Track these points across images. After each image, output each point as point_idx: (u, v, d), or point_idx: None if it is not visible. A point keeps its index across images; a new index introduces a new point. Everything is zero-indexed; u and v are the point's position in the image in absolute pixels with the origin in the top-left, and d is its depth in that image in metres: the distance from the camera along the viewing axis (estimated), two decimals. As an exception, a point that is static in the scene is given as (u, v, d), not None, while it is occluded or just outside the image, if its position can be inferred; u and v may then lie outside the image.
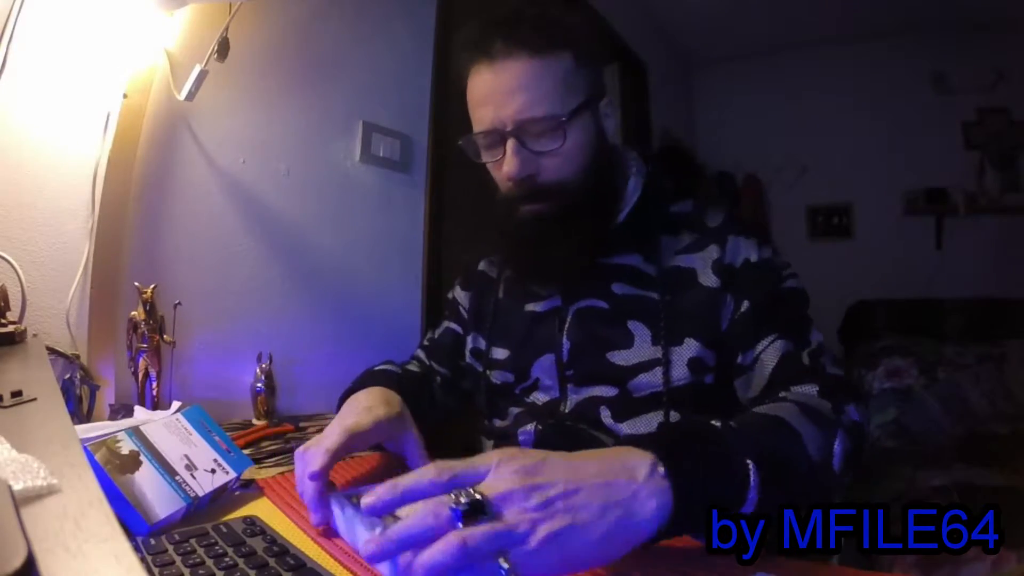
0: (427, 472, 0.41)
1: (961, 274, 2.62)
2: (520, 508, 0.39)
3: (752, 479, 0.45)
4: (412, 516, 0.39)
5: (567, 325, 0.73)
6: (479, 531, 0.37)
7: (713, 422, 0.50)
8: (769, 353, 0.64)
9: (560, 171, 0.68)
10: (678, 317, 0.67)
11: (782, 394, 0.60)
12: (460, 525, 0.37)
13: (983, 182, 2.66)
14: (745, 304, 0.66)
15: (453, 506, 0.38)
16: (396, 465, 0.72)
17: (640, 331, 0.69)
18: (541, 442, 0.72)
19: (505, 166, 0.67)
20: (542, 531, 0.38)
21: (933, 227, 2.74)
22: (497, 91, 0.66)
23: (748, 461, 0.45)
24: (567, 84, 0.67)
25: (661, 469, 0.42)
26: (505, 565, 0.38)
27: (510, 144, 0.66)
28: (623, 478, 0.41)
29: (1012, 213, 2.58)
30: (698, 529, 0.44)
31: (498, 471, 0.40)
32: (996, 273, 2.50)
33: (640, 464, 0.42)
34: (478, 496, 0.38)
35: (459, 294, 0.91)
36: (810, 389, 0.60)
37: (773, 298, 0.66)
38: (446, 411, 0.89)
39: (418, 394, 0.79)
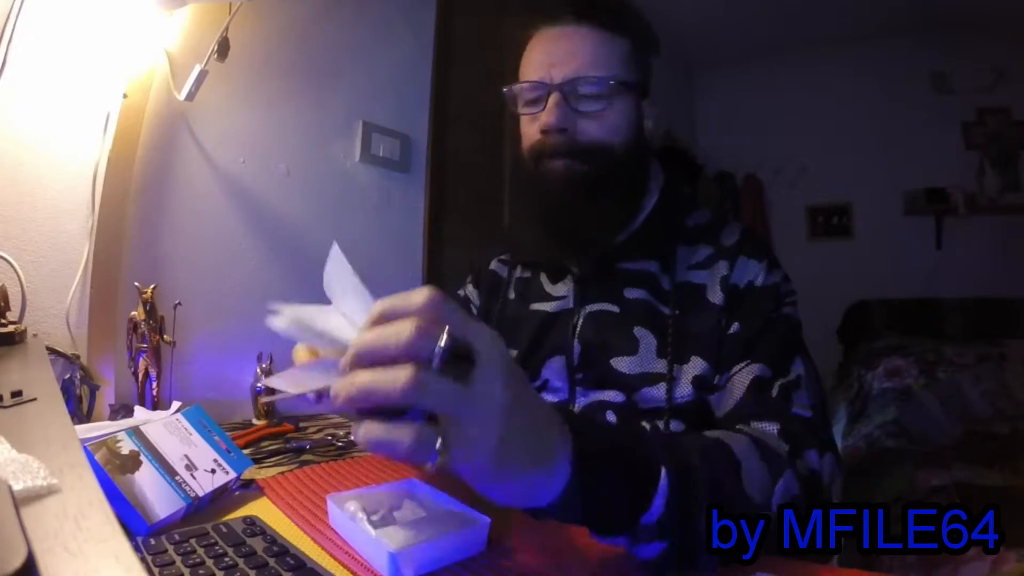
0: (407, 325, 0.33)
1: (961, 274, 2.62)
2: (500, 390, 0.34)
3: (661, 485, 0.42)
4: (385, 328, 0.33)
5: (579, 328, 0.73)
6: (444, 382, 0.32)
7: (647, 426, 0.46)
8: (742, 376, 0.64)
9: (600, 133, 0.69)
10: (686, 335, 0.67)
11: (740, 426, 0.59)
12: (436, 364, 0.32)
13: (983, 182, 2.66)
14: (735, 326, 0.66)
15: (438, 344, 0.32)
16: (395, 467, 0.72)
17: (646, 340, 0.68)
18: None
19: (544, 116, 0.68)
20: (496, 426, 0.33)
21: (933, 227, 2.74)
22: (557, 52, 0.69)
23: (662, 468, 0.42)
24: (622, 62, 0.69)
25: (569, 447, 0.39)
26: (440, 449, 0.32)
27: (553, 96, 0.68)
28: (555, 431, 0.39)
29: (1012, 213, 2.58)
30: (586, 515, 0.41)
31: (494, 345, 0.35)
32: (996, 273, 2.50)
33: (562, 439, 0.39)
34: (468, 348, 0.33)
35: (470, 291, 0.90)
36: (770, 427, 0.58)
37: (763, 324, 0.66)
38: None
39: None
